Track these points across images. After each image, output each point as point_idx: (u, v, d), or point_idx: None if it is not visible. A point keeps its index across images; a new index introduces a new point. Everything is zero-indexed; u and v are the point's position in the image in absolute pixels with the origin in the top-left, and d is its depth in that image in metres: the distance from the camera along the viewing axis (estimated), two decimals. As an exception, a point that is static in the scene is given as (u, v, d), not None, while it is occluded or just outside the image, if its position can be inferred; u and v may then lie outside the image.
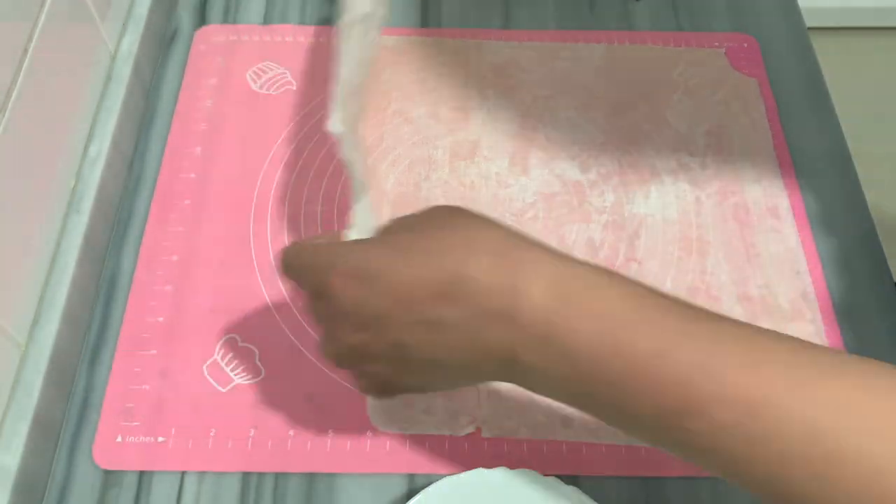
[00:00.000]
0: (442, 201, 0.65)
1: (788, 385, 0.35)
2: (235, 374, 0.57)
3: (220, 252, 0.62)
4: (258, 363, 0.58)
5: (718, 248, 0.63)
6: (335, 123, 0.49)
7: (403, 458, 0.54)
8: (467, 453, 0.54)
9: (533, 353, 0.39)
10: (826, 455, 0.33)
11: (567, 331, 0.38)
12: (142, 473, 0.53)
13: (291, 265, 0.46)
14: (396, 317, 0.40)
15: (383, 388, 0.46)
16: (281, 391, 0.56)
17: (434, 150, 0.68)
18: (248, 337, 0.59)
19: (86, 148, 0.62)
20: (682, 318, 0.38)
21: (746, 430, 0.35)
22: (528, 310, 0.38)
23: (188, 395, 0.56)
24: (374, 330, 0.41)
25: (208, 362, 0.57)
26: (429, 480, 0.50)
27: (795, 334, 0.59)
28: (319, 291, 0.43)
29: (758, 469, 0.35)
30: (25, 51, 0.53)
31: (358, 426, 0.55)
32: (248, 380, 0.57)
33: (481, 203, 0.65)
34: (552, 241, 0.62)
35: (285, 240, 0.63)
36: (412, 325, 0.40)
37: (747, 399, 0.35)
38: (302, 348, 0.58)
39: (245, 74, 0.72)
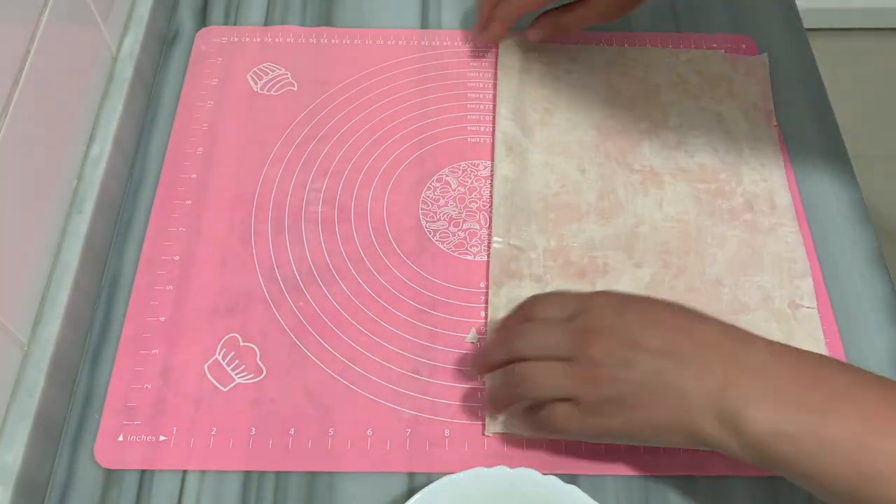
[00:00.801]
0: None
1: None
2: (236, 374, 0.57)
3: (221, 252, 0.62)
4: (259, 362, 0.58)
5: (717, 248, 0.63)
6: None
7: (403, 458, 0.54)
8: (467, 453, 0.55)
9: (749, 385, 0.45)
10: None
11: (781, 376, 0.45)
12: (143, 472, 0.54)
13: (550, 295, 0.53)
14: (642, 334, 0.48)
15: (577, 418, 0.49)
16: (282, 390, 0.57)
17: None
18: (250, 336, 0.59)
19: (87, 148, 0.62)
20: (859, 383, 0.45)
21: None
22: (754, 352, 0.46)
23: (189, 395, 0.56)
24: (618, 339, 0.48)
25: (209, 361, 0.58)
26: (429, 480, 0.51)
27: (794, 334, 0.59)
28: (580, 309, 0.50)
29: None
30: (27, 51, 0.53)
31: (358, 425, 0.55)
32: (250, 379, 0.57)
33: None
34: (551, 242, 0.63)
35: (286, 240, 0.63)
36: (652, 340, 0.47)
37: None
38: (303, 347, 0.58)
39: (246, 75, 0.72)
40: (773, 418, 0.44)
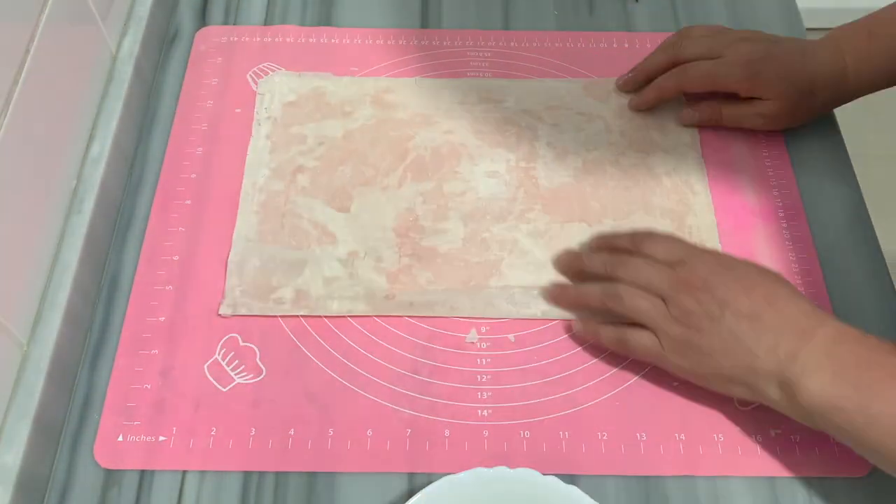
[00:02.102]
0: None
1: None
2: (236, 374, 0.57)
3: (220, 252, 0.62)
4: (259, 363, 0.58)
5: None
6: None
7: (403, 458, 0.54)
8: (467, 453, 0.55)
9: (813, 362, 0.49)
10: None
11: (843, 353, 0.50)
12: (143, 472, 0.53)
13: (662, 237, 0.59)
14: (733, 296, 0.53)
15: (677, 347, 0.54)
16: (282, 391, 0.57)
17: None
18: (249, 336, 0.59)
19: (87, 148, 0.62)
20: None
21: None
22: (823, 333, 0.50)
23: (189, 395, 0.56)
24: (711, 294, 0.53)
25: (209, 362, 0.58)
26: (429, 480, 0.51)
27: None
28: (683, 259, 0.56)
29: None
30: (27, 51, 0.53)
31: (358, 425, 0.55)
32: (249, 379, 0.57)
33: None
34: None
35: (286, 240, 0.63)
36: (740, 304, 0.52)
37: None
38: (303, 347, 0.58)
39: (246, 75, 0.72)
40: (828, 393, 0.49)
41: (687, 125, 0.69)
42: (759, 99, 0.66)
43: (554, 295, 0.60)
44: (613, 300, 0.56)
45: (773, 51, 0.65)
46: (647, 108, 0.70)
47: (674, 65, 0.68)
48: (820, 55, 0.65)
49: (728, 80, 0.66)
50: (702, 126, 0.69)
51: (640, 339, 0.55)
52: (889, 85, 0.65)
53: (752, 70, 0.65)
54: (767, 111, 0.66)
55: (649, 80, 0.69)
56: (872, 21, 0.65)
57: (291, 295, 0.60)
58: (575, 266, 0.61)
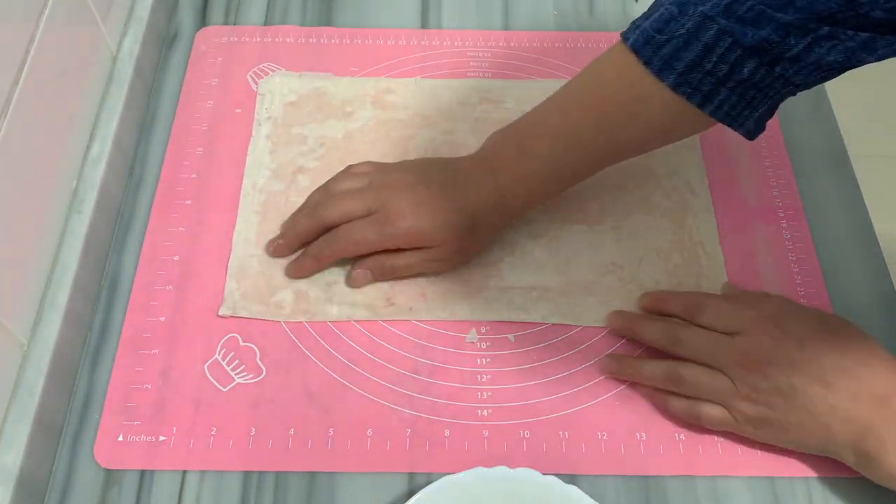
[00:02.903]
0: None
1: None
2: (236, 374, 0.57)
3: (220, 252, 0.62)
4: (259, 363, 0.58)
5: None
6: None
7: (403, 458, 0.54)
8: (467, 453, 0.55)
9: (890, 434, 0.49)
10: None
11: None
12: (143, 472, 0.54)
13: (717, 305, 0.57)
14: (800, 362, 0.52)
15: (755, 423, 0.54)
16: (282, 390, 0.57)
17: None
18: (250, 336, 0.59)
19: (87, 148, 0.62)
20: None
21: None
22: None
23: (189, 395, 0.56)
24: (776, 366, 0.52)
25: (209, 362, 0.58)
26: (429, 480, 0.51)
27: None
28: (741, 328, 0.54)
29: None
30: (27, 52, 0.53)
31: (358, 425, 0.55)
32: (249, 379, 0.57)
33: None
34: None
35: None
36: (809, 367, 0.51)
37: None
38: (303, 347, 0.58)
39: (246, 75, 0.72)
40: None
41: (357, 286, 0.60)
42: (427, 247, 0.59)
43: (611, 369, 0.58)
44: (677, 382, 0.55)
45: (428, 194, 0.59)
46: (306, 276, 0.61)
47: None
48: (477, 183, 0.59)
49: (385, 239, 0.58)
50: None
51: (713, 414, 0.54)
52: (543, 201, 0.61)
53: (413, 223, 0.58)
54: (434, 256, 0.59)
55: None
56: (522, 132, 0.60)
57: (291, 298, 0.60)
58: (629, 331, 0.59)
